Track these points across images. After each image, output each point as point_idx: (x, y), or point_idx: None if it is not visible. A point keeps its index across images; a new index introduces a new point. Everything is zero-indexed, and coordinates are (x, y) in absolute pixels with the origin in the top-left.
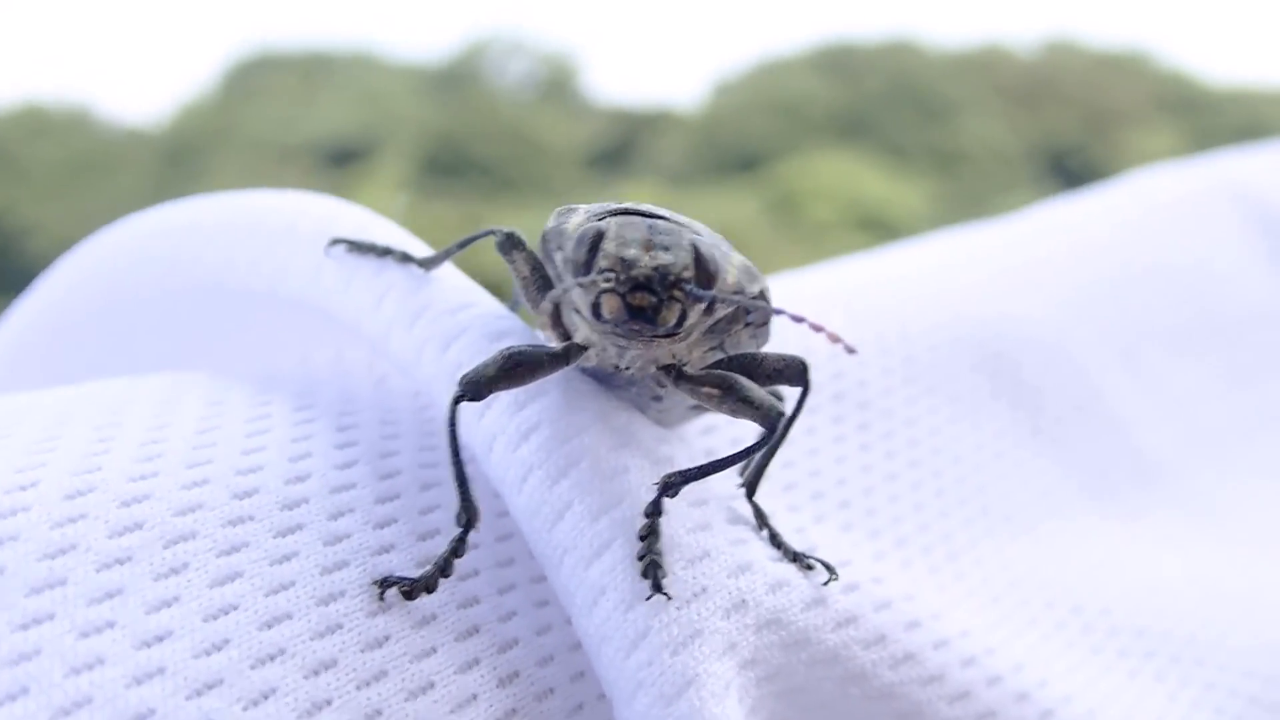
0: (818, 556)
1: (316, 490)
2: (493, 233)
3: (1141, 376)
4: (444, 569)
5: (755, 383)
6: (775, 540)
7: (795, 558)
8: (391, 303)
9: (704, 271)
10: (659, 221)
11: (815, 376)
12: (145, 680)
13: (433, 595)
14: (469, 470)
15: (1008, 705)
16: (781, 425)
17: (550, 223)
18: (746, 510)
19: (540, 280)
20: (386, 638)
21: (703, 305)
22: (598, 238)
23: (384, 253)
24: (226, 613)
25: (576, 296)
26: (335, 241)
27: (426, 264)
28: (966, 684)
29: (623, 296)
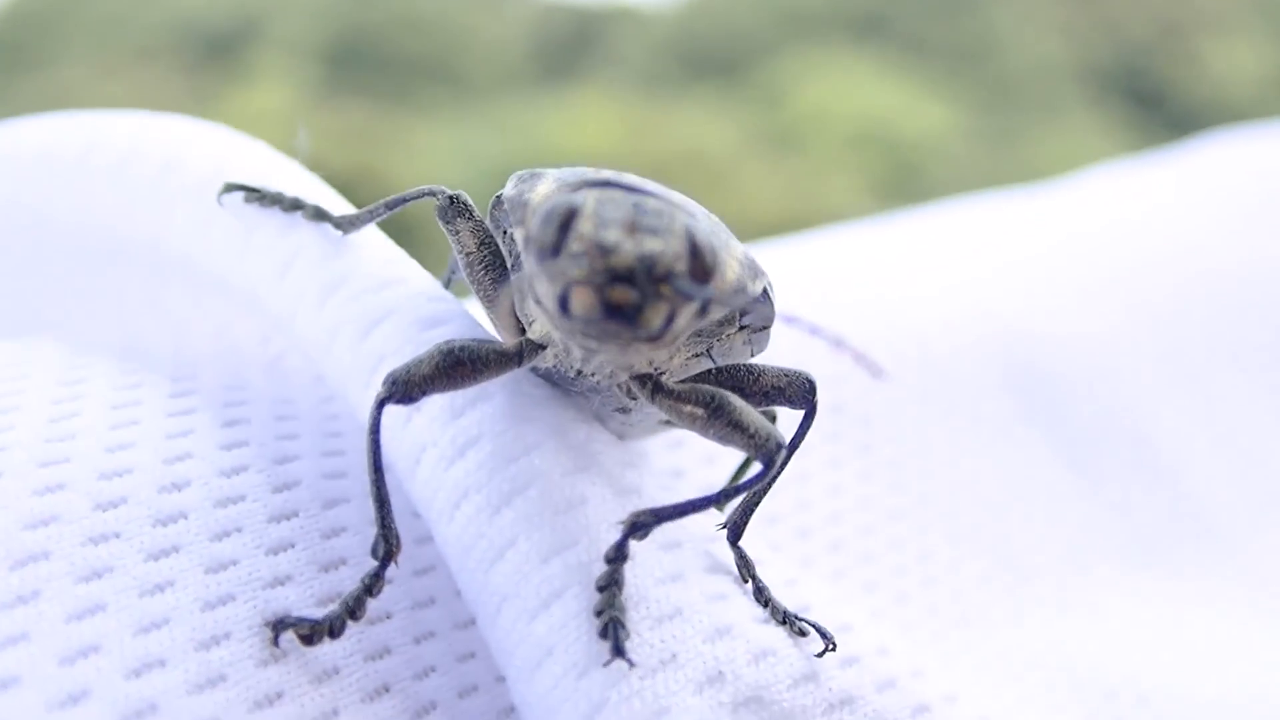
0: (812, 620)
1: (197, 502)
2: (432, 194)
3: (1203, 411)
4: (353, 610)
5: (749, 402)
6: (762, 596)
7: (785, 619)
8: (300, 271)
9: (699, 263)
10: (647, 199)
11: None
12: None
13: (336, 642)
14: (389, 486)
15: None
16: (780, 459)
17: (508, 189)
18: (728, 556)
19: (489, 258)
20: (279, 695)
21: (695, 306)
22: (570, 214)
23: (292, 206)
24: (85, 655)
25: (539, 285)
26: (231, 187)
27: (344, 225)
28: None
29: (598, 289)
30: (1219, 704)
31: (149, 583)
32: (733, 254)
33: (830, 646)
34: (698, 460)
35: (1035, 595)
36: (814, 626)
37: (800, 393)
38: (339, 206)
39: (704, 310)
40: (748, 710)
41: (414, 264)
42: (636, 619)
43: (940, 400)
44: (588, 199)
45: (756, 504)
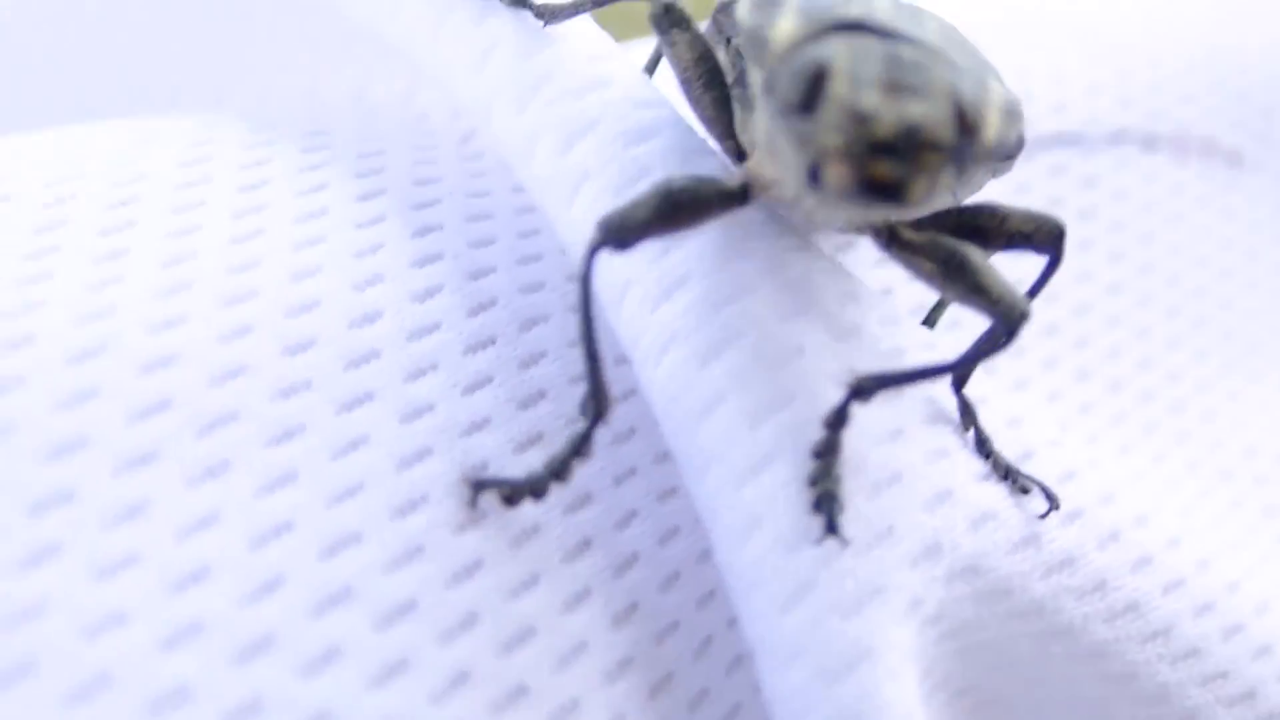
0: (1035, 478)
1: (389, 331)
2: None
3: None
4: (559, 472)
5: (990, 247)
6: (984, 449)
7: (1008, 474)
8: (498, 65)
9: (965, 125)
10: (902, 47)
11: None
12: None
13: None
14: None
15: (1244, 663)
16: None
17: (741, 10)
18: (949, 402)
19: (707, 75)
20: (478, 564)
21: (956, 171)
22: (820, 74)
23: None
24: (278, 534)
25: (783, 147)
26: None
27: (547, 14)
28: (1197, 639)
29: (858, 162)
30: None
31: (338, 441)
32: (993, 103)
33: (1054, 506)
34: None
35: (1256, 369)
36: (1038, 484)
37: (1048, 238)
38: None
39: (963, 172)
40: (962, 580)
41: (622, 60)
42: (853, 488)
43: (1167, 147)
44: (839, 52)
45: (989, 356)
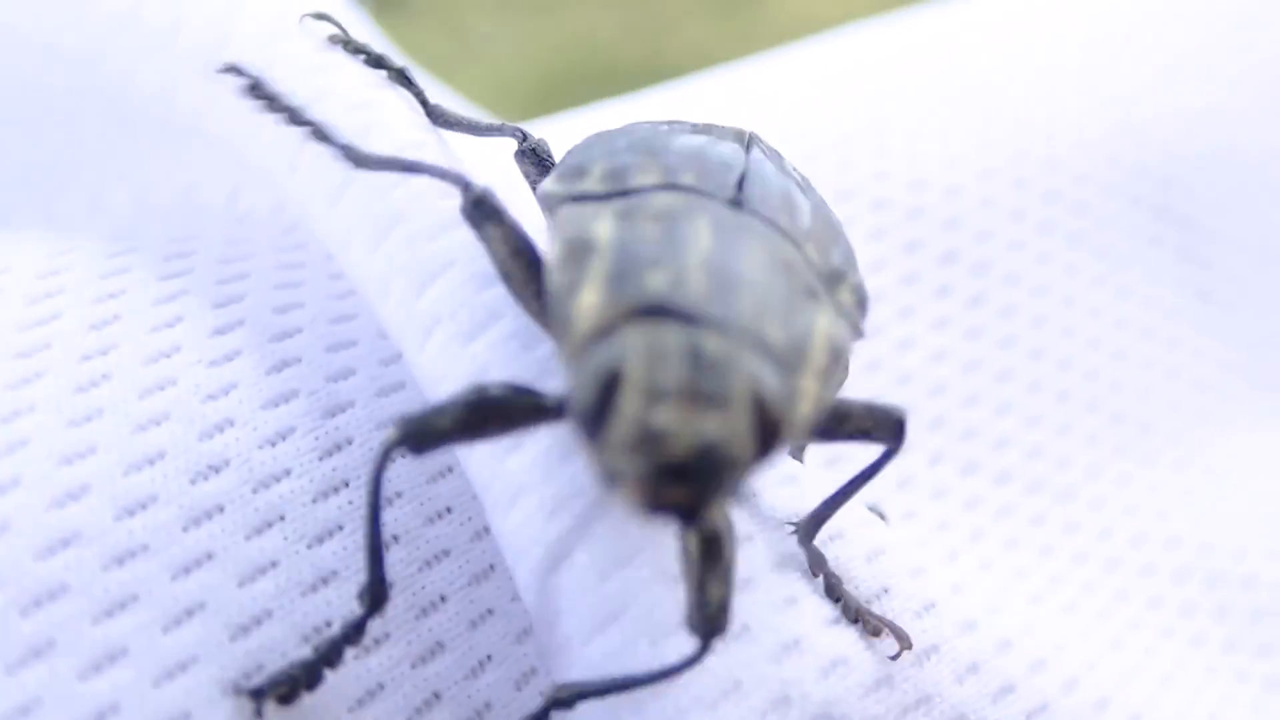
0: (885, 619)
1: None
2: (462, 183)
3: None
4: (330, 658)
5: (834, 440)
6: (834, 593)
7: (857, 618)
8: (354, 200)
9: (768, 426)
10: (708, 339)
11: (912, 230)
12: None
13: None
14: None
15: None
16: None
17: (552, 185)
18: (793, 548)
19: (527, 269)
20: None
21: (763, 461)
22: (611, 382)
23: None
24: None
25: (582, 447)
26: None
27: (359, 160)
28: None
29: (648, 487)
30: None
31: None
32: (812, 366)
33: (906, 645)
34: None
35: (1148, 452)
36: (888, 624)
37: (889, 432)
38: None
39: (771, 458)
40: None
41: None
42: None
43: (1062, 231)
44: (633, 351)
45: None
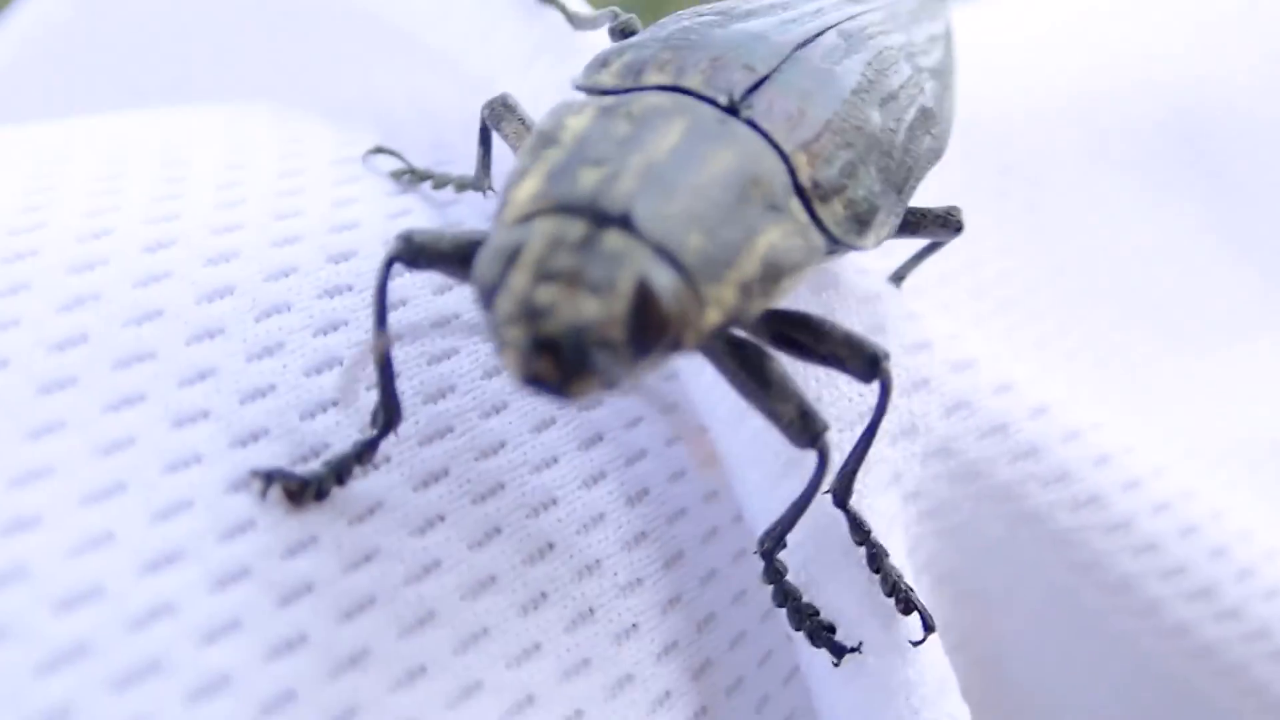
0: (917, 601)
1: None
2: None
3: None
4: (340, 473)
5: (809, 360)
6: (875, 562)
7: (893, 591)
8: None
9: (652, 320)
10: (611, 237)
11: (978, 138)
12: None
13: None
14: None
15: (1200, 562)
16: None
17: (579, 74)
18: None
19: None
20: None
21: (649, 361)
22: (511, 258)
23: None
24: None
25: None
26: None
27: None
28: (1155, 534)
29: (521, 357)
30: None
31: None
32: (735, 271)
33: (931, 630)
34: None
35: (1197, 352)
36: (918, 605)
37: (862, 365)
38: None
39: (674, 349)
40: (937, 460)
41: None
42: (832, 376)
43: (1107, 157)
44: (536, 236)
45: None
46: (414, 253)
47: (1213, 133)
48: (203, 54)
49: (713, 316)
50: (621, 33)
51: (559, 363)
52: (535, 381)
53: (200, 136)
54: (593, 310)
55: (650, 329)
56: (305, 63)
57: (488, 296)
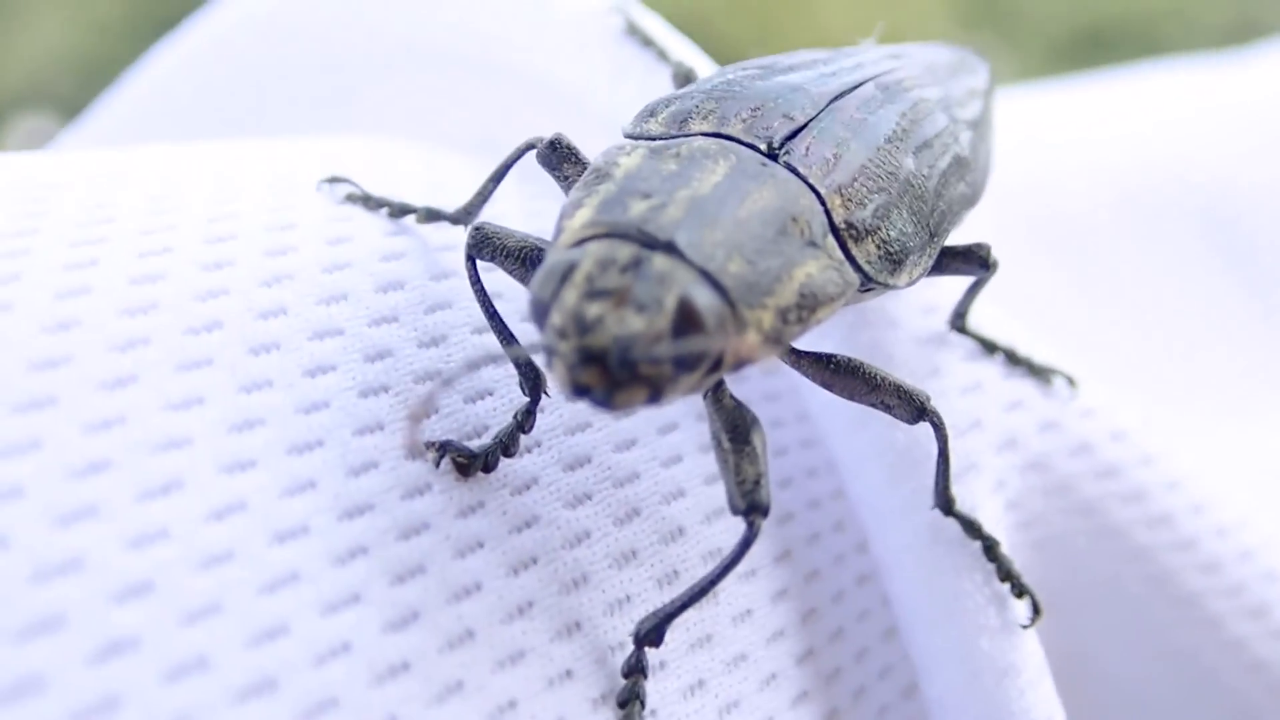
0: (1029, 588)
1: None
2: (531, 146)
3: None
4: (507, 445)
5: (861, 402)
6: (991, 553)
7: (1008, 578)
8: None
9: (694, 331)
10: (658, 259)
11: (1024, 206)
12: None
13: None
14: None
15: (1257, 583)
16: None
17: (628, 122)
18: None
19: None
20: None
21: (698, 374)
22: (565, 276)
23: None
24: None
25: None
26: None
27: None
28: (1218, 556)
29: (570, 369)
30: None
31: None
32: (775, 298)
33: (1038, 612)
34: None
35: (1220, 408)
36: (1029, 590)
37: (909, 412)
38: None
39: (715, 368)
40: (1033, 473)
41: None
42: (942, 388)
43: (1139, 229)
44: (588, 257)
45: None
46: (479, 242)
47: (1236, 226)
48: (319, 91)
49: (751, 339)
50: (686, 79)
51: (605, 373)
52: (582, 391)
53: (247, 169)
54: (638, 325)
55: (694, 331)
56: (424, 100)
57: (542, 313)
